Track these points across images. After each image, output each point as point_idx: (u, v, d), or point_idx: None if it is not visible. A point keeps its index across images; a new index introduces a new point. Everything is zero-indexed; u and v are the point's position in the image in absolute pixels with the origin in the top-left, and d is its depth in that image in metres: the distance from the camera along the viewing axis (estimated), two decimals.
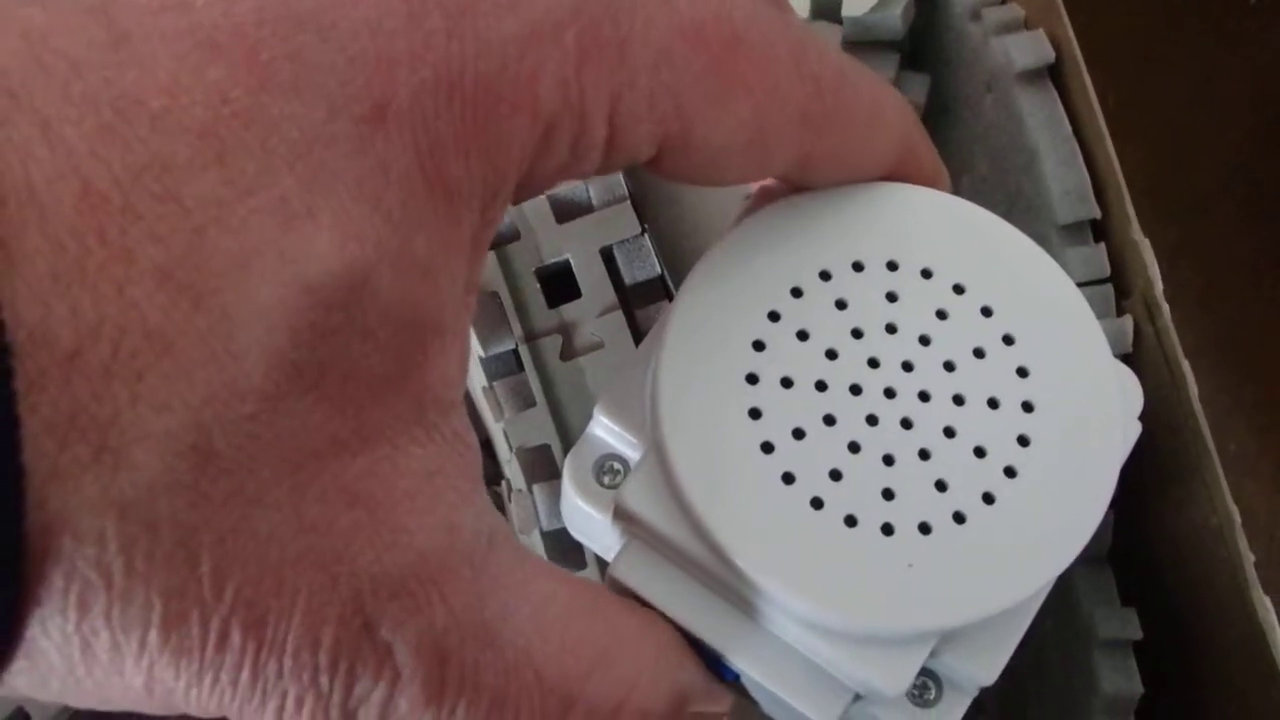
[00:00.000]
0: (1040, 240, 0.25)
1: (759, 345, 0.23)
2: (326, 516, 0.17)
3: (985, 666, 0.22)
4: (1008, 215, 0.25)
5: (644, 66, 0.19)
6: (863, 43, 0.36)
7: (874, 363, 0.23)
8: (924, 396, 0.23)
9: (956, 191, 0.25)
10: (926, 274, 0.24)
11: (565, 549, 0.31)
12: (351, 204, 0.17)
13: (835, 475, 0.22)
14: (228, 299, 0.16)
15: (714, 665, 0.22)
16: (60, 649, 0.16)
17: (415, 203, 0.17)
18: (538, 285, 0.33)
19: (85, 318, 0.15)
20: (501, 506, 0.34)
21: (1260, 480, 0.29)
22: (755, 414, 0.22)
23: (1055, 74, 0.34)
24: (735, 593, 0.22)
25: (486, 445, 0.37)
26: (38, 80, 0.15)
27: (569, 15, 0.18)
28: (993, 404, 0.23)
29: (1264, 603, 0.29)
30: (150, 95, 0.15)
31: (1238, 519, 0.29)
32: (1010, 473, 0.22)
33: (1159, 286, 0.31)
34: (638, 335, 0.32)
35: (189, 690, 0.17)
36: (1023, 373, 0.23)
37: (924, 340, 0.23)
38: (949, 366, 0.23)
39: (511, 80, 0.18)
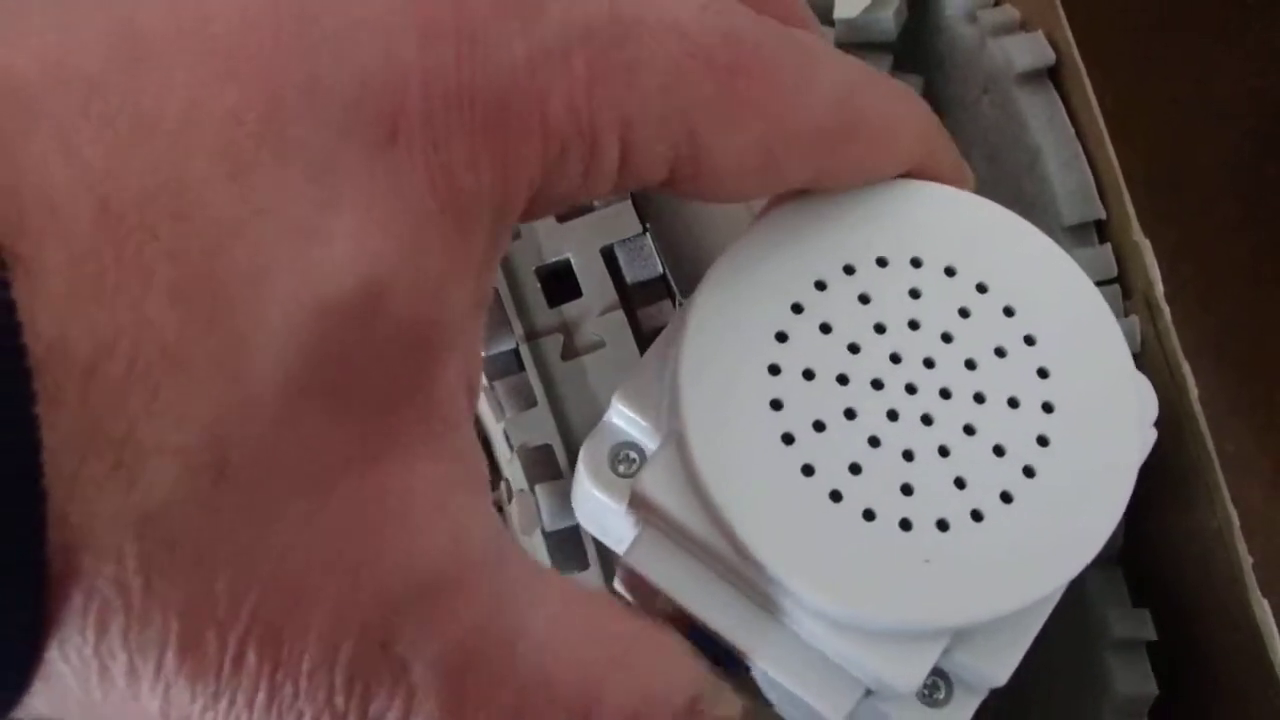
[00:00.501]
0: None
1: (781, 336, 0.23)
2: (341, 532, 0.17)
3: (997, 666, 0.22)
4: None
5: (655, 90, 0.19)
6: (855, 45, 0.36)
7: (896, 358, 0.23)
8: (945, 394, 0.23)
9: None
10: (950, 272, 0.24)
11: (568, 550, 0.31)
12: (365, 224, 0.17)
13: (855, 469, 0.22)
14: (241, 317, 0.16)
15: (724, 657, 0.22)
16: (77, 673, 0.15)
17: (427, 223, 0.18)
18: (538, 284, 0.32)
19: (101, 333, 0.15)
20: (500, 508, 0.33)
21: (1259, 481, 0.29)
22: (776, 405, 0.22)
23: (1054, 75, 0.34)
24: (749, 583, 0.22)
25: (485, 445, 0.36)
26: (57, 98, 0.15)
27: (578, 40, 0.18)
28: (1013, 404, 0.23)
29: (1262, 605, 0.29)
30: (167, 115, 0.16)
31: (1236, 521, 0.29)
32: (1029, 472, 0.22)
33: (1159, 288, 0.31)
34: (639, 334, 0.32)
35: (204, 714, 0.16)
36: (1043, 374, 0.23)
37: (946, 338, 0.23)
38: (970, 365, 0.23)
39: (521, 104, 0.18)
